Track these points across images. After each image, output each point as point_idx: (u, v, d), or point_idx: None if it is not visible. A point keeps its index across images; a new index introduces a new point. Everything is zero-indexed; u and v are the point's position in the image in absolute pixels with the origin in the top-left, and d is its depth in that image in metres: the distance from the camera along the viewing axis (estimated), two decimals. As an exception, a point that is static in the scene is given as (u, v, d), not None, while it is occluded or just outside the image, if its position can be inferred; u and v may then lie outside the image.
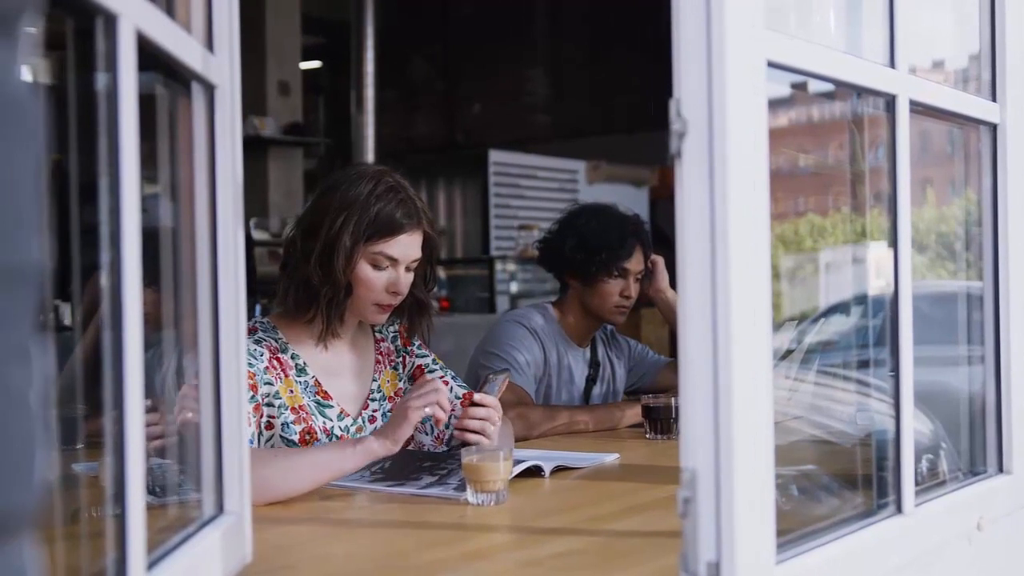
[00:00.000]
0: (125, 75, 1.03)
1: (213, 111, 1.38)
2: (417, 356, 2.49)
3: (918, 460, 1.67)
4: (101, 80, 1.04)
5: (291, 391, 2.23)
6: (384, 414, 2.38)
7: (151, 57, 1.14)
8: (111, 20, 1.02)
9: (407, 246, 2.26)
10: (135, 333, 1.04)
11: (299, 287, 2.25)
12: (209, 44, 1.38)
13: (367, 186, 2.24)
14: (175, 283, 1.41)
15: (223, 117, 1.39)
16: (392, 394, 2.42)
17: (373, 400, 2.39)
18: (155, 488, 1.37)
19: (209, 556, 1.31)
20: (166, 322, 1.41)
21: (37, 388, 0.60)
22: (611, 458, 2.40)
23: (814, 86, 1.59)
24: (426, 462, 2.17)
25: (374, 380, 2.40)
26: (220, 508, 1.40)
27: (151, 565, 1.12)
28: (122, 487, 1.03)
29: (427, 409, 2.00)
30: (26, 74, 0.61)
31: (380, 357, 2.44)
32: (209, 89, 1.37)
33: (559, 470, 2.22)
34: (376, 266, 2.24)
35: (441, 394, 2.04)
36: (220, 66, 1.39)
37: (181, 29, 1.25)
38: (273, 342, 2.25)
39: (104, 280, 1.04)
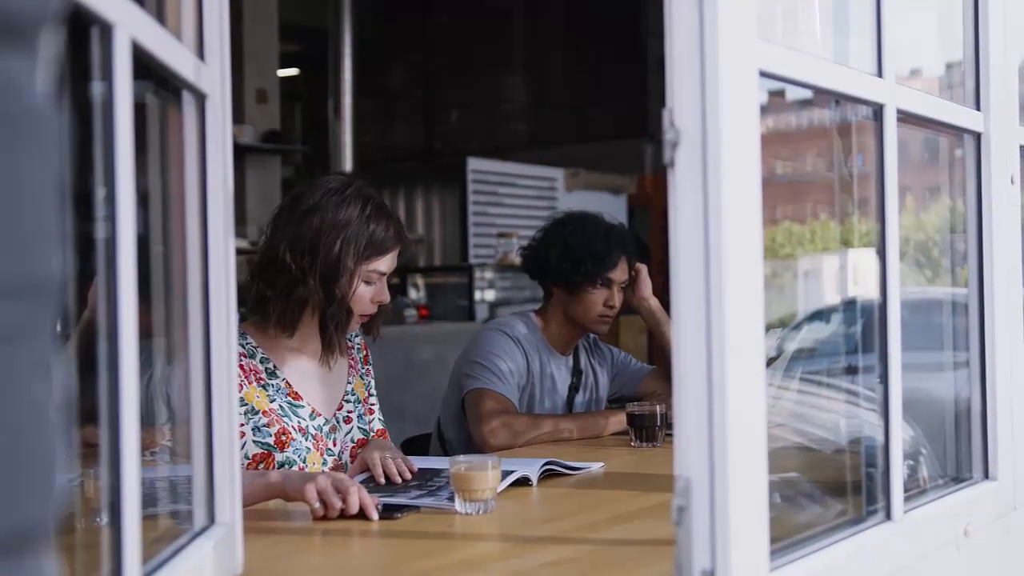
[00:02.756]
0: (121, 84, 1.03)
1: (204, 120, 1.38)
2: (372, 376, 2.58)
3: (900, 466, 1.68)
4: (96, 88, 1.04)
5: (258, 396, 2.27)
6: (359, 415, 2.46)
7: (143, 66, 1.14)
8: (107, 29, 1.01)
9: (393, 259, 2.37)
10: (130, 343, 1.04)
11: (296, 306, 2.29)
12: (200, 53, 1.37)
13: (355, 207, 2.30)
14: (165, 292, 1.40)
15: (214, 126, 1.39)
16: (362, 398, 2.50)
17: (348, 401, 2.46)
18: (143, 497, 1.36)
19: (201, 567, 1.30)
20: (156, 332, 1.40)
21: (57, 401, 0.60)
22: (597, 467, 2.40)
23: (791, 93, 1.59)
24: (413, 480, 2.17)
25: (348, 383, 2.47)
26: (211, 519, 1.39)
27: (145, 577, 1.12)
28: (118, 498, 1.03)
29: (316, 505, 1.87)
30: (45, 86, 0.61)
31: (352, 362, 2.51)
32: (200, 98, 1.37)
33: (548, 476, 2.23)
34: (367, 282, 2.33)
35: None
36: (211, 75, 1.39)
37: (174, 38, 1.25)
38: (240, 348, 2.27)
39: (100, 290, 1.03)
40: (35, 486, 0.57)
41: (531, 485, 2.16)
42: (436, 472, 2.23)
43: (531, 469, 2.19)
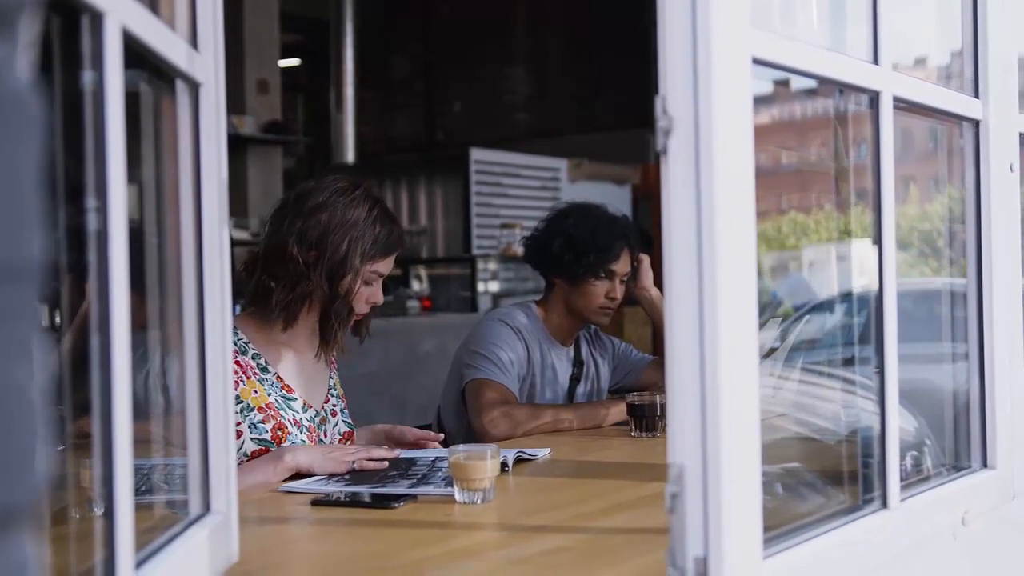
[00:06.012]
0: (111, 73, 1.03)
1: (198, 109, 1.38)
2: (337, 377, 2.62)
3: (903, 457, 1.68)
4: (87, 78, 1.04)
5: (255, 391, 2.31)
6: (342, 409, 2.52)
7: (135, 55, 1.14)
8: (97, 18, 1.01)
9: (391, 263, 2.42)
10: (122, 334, 1.04)
11: (299, 300, 2.33)
12: (194, 42, 1.37)
13: (363, 208, 2.35)
14: (159, 284, 1.40)
15: (208, 115, 1.39)
16: (341, 394, 2.56)
17: (332, 395, 2.50)
18: (139, 487, 1.37)
19: (196, 555, 1.30)
20: (150, 323, 1.40)
21: (38, 384, 0.60)
22: (544, 452, 2.43)
23: (796, 83, 1.59)
24: (392, 471, 2.17)
25: (331, 378, 2.52)
26: (207, 507, 1.40)
27: (139, 564, 1.12)
28: (110, 488, 1.03)
29: (355, 465, 2.17)
30: (25, 71, 0.61)
31: (333, 360, 2.55)
32: (194, 87, 1.37)
33: (545, 467, 2.24)
34: (367, 282, 2.37)
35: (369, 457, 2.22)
36: (205, 64, 1.38)
37: (166, 27, 1.25)
38: (231, 337, 2.29)
39: (91, 281, 1.03)
40: (15, 467, 0.57)
41: (507, 471, 2.17)
42: (412, 461, 2.25)
43: (507, 456, 2.23)
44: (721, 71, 1.19)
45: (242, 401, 2.26)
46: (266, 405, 2.30)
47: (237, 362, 2.28)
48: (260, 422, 2.27)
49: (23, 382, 0.58)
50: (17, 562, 0.56)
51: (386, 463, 2.20)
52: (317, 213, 2.31)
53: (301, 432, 2.33)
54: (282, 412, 2.31)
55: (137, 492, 1.17)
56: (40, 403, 0.60)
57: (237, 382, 2.26)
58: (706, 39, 1.18)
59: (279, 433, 2.29)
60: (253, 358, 2.34)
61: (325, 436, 2.42)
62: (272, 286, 2.31)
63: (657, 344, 5.29)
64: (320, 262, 2.30)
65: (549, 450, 2.46)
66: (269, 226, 2.38)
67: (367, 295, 2.38)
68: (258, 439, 2.26)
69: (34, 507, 0.60)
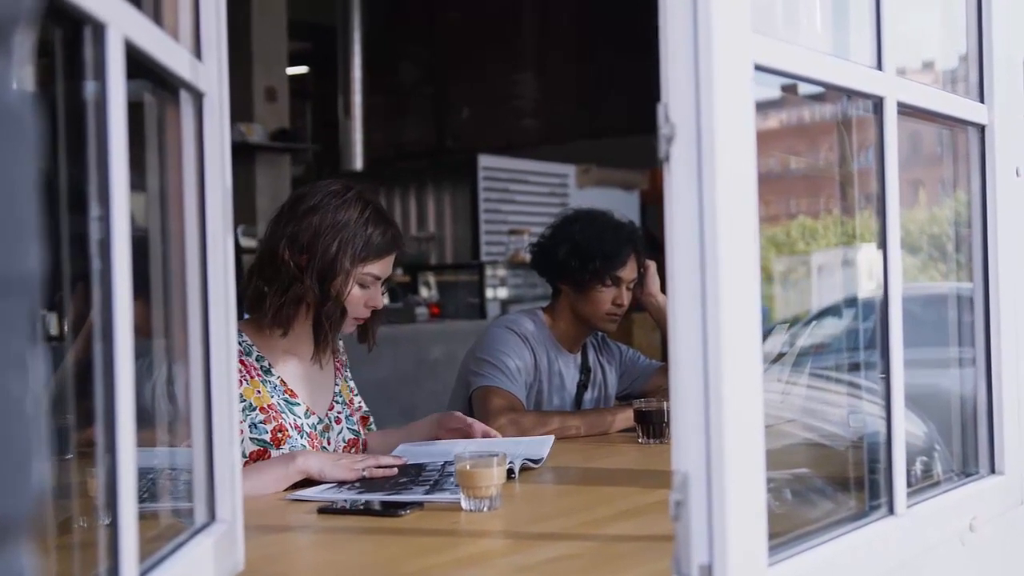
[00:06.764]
0: (114, 83, 1.03)
1: (202, 119, 1.38)
2: (350, 379, 2.61)
3: (912, 462, 1.68)
4: (89, 88, 1.04)
5: (258, 392, 2.31)
6: (347, 416, 2.51)
7: (139, 65, 1.14)
8: (99, 28, 1.02)
9: (390, 265, 2.41)
10: (125, 343, 1.04)
11: (292, 304, 2.32)
12: (197, 52, 1.38)
13: (355, 210, 2.34)
14: (164, 292, 1.40)
15: (212, 125, 1.39)
16: (348, 400, 2.54)
17: (337, 402, 2.50)
18: (144, 495, 1.37)
19: (201, 564, 1.31)
20: (156, 332, 1.41)
21: (34, 396, 0.60)
22: (548, 439, 2.48)
23: (804, 88, 1.59)
24: (402, 478, 2.17)
25: (336, 384, 2.51)
26: (212, 516, 1.40)
27: (143, 573, 1.12)
28: (114, 496, 1.03)
29: (364, 472, 2.17)
30: (21, 83, 0.61)
31: (339, 366, 2.55)
32: (198, 97, 1.37)
33: (524, 470, 2.26)
34: (362, 285, 2.36)
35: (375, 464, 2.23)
36: (208, 74, 1.39)
37: (169, 37, 1.25)
38: (236, 346, 2.30)
39: (94, 290, 1.03)
40: (12, 479, 0.57)
41: (514, 478, 2.16)
42: (422, 467, 2.25)
43: (529, 450, 2.26)
44: (723, 77, 1.19)
45: (244, 400, 2.26)
46: (268, 406, 2.30)
47: (241, 362, 2.29)
48: (261, 422, 2.28)
49: (19, 394, 0.58)
50: (14, 573, 0.56)
51: (395, 470, 2.20)
52: (309, 216, 2.32)
53: (301, 437, 2.33)
54: (283, 415, 2.32)
55: (141, 500, 1.17)
56: (36, 415, 0.60)
57: (240, 381, 2.26)
58: (707, 46, 1.18)
59: (279, 435, 2.29)
60: (257, 360, 2.34)
61: (329, 443, 2.41)
62: (265, 291, 2.32)
63: (666, 350, 5.28)
64: (311, 264, 2.30)
65: (552, 437, 2.50)
66: (266, 232, 2.39)
67: (365, 298, 2.37)
68: (257, 439, 2.27)
69: (31, 518, 0.60)
